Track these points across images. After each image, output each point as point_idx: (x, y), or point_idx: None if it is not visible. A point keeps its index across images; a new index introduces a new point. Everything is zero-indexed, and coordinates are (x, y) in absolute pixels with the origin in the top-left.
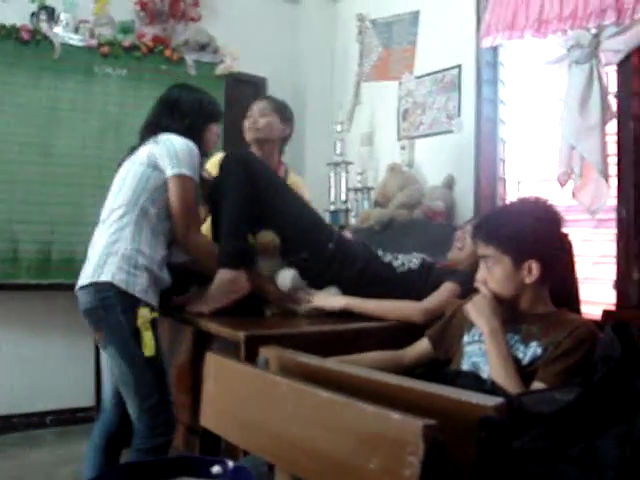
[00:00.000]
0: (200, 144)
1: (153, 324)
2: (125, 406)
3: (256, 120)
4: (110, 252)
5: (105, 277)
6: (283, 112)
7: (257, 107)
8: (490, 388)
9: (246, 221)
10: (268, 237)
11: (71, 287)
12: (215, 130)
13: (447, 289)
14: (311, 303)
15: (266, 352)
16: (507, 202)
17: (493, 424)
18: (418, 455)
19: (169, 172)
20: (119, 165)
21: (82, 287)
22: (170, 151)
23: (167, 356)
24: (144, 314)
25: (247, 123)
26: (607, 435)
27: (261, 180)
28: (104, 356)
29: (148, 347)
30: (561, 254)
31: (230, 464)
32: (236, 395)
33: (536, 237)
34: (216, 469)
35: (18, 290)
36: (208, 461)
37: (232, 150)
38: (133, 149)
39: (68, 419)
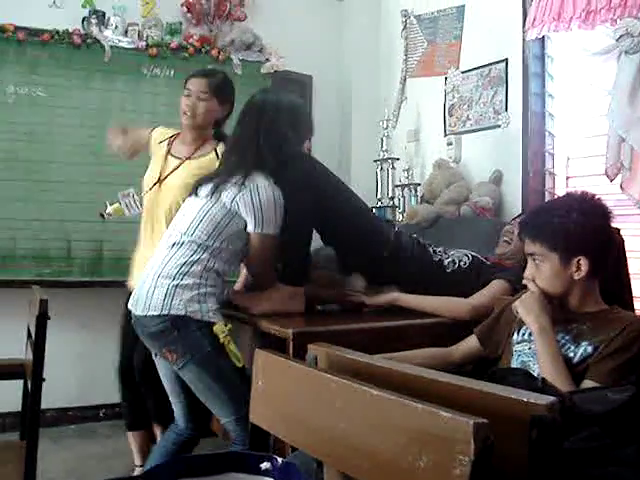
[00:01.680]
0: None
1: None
2: (200, 418)
3: (195, 104)
4: (180, 284)
5: (177, 311)
6: (223, 92)
7: (196, 87)
8: (541, 386)
9: (310, 239)
10: (325, 279)
11: (122, 284)
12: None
13: (495, 286)
14: (361, 299)
15: (315, 349)
16: (553, 197)
17: (545, 423)
18: (468, 454)
19: (251, 228)
20: (196, 186)
21: (147, 316)
22: (255, 206)
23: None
24: (221, 329)
25: (184, 104)
26: None
27: (325, 195)
28: (167, 375)
29: (237, 358)
30: (610, 249)
31: (279, 460)
32: (285, 391)
33: (584, 232)
34: (265, 465)
35: (71, 287)
36: (257, 457)
37: (296, 161)
38: (215, 176)
39: (121, 413)
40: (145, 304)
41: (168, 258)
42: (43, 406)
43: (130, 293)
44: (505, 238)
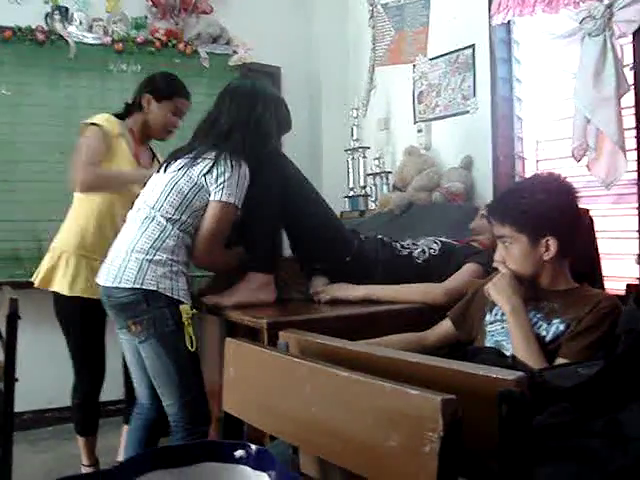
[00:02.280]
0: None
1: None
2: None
3: (177, 125)
4: (152, 260)
5: (149, 285)
6: None
7: (185, 109)
8: (511, 363)
9: (279, 229)
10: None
11: None
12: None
13: (468, 270)
14: (330, 295)
15: (285, 336)
16: (520, 180)
17: (514, 398)
18: (437, 430)
19: (213, 197)
20: (173, 157)
21: (119, 287)
22: (219, 173)
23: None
24: (186, 310)
25: (176, 123)
26: (631, 407)
27: (294, 190)
28: (131, 351)
29: (191, 341)
30: (578, 228)
31: (253, 448)
32: (256, 379)
33: (551, 213)
34: (239, 453)
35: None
36: (231, 446)
37: (264, 154)
38: (188, 151)
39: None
40: (117, 276)
41: (140, 233)
42: (19, 409)
43: None
44: (482, 212)
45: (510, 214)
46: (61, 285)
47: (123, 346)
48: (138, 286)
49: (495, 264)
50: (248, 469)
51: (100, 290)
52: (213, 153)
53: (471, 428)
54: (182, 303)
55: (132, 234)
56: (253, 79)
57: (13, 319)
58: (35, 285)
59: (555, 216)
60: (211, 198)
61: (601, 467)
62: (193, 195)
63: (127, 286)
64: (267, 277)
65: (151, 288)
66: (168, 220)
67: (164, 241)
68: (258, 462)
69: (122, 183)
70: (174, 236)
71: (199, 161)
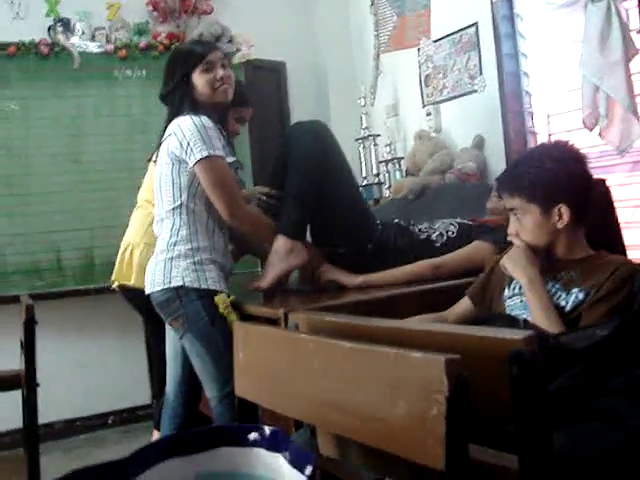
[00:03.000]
0: (200, 104)
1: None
2: (189, 395)
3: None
4: (172, 256)
5: (176, 282)
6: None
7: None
8: (523, 326)
9: (313, 194)
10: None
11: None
12: (200, 76)
13: (472, 246)
14: (330, 277)
15: (295, 317)
16: (526, 151)
17: (524, 358)
18: (443, 391)
19: (190, 162)
20: (154, 161)
21: (154, 291)
22: (179, 137)
23: None
24: (223, 300)
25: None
26: None
27: (329, 157)
28: (172, 344)
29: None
30: (590, 194)
31: (267, 429)
32: (265, 360)
33: (560, 179)
34: (253, 436)
35: (66, 297)
36: (244, 429)
37: (302, 120)
38: (158, 145)
39: (129, 418)
40: (151, 281)
41: (159, 235)
42: (51, 419)
43: None
44: (495, 193)
45: (519, 185)
46: None
47: (167, 339)
48: (167, 286)
49: (509, 237)
50: (263, 451)
51: None
52: (165, 130)
53: (484, 393)
54: (215, 292)
55: (157, 240)
56: None
57: (30, 325)
58: (136, 286)
59: (565, 182)
60: (190, 165)
61: (623, 423)
62: (177, 174)
63: (159, 288)
64: (293, 242)
65: (178, 284)
66: (173, 211)
67: (178, 233)
68: (272, 443)
69: None
70: (184, 224)
71: (161, 143)
